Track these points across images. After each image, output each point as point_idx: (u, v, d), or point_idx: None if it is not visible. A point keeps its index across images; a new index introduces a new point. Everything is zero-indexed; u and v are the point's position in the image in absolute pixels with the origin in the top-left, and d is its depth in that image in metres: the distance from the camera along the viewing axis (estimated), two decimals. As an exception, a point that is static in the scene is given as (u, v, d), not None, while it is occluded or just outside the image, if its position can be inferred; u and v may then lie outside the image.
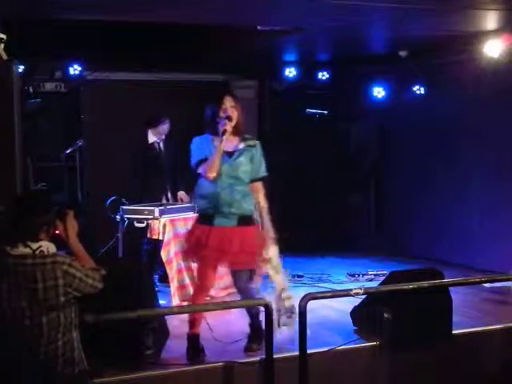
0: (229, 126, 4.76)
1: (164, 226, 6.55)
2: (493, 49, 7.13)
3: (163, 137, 7.43)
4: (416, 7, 5.74)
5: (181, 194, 7.39)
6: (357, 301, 5.34)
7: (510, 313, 6.17)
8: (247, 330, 5.04)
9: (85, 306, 3.61)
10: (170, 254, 6.47)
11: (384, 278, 5.64)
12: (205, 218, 4.87)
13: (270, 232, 4.85)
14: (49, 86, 8.51)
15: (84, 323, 3.67)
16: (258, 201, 4.89)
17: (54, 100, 8.47)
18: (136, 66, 8.60)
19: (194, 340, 4.86)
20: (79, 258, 3.52)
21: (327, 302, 5.97)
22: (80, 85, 8.67)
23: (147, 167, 7.23)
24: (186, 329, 4.93)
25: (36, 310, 3.29)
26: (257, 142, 4.96)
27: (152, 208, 6.65)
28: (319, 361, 4.74)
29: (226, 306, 5.32)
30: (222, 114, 4.78)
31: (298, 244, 8.27)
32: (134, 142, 7.46)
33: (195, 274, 5.29)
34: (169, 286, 6.50)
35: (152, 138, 7.39)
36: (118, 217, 6.89)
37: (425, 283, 4.99)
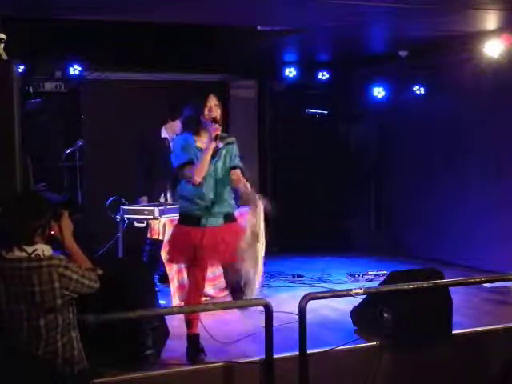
0: (219, 130, 4.72)
1: (164, 226, 6.54)
2: (493, 49, 7.12)
3: (174, 136, 7.43)
4: (416, 7, 5.74)
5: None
6: (357, 301, 5.34)
7: (510, 313, 6.18)
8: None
9: (85, 306, 3.60)
10: (170, 254, 6.46)
11: (384, 277, 5.64)
12: (190, 219, 4.82)
13: (256, 200, 4.69)
14: (49, 86, 8.51)
15: (84, 323, 3.66)
16: (238, 185, 4.74)
17: (54, 100, 8.48)
18: (136, 66, 8.59)
19: (193, 340, 4.85)
20: (75, 258, 3.50)
21: (327, 302, 5.98)
22: (80, 85, 8.66)
23: (153, 166, 7.23)
24: (185, 329, 4.92)
25: (34, 313, 3.28)
26: (233, 138, 4.92)
27: (152, 208, 6.65)
28: (319, 361, 4.73)
29: (225, 305, 5.31)
30: (206, 114, 4.72)
31: (298, 244, 8.29)
32: (139, 142, 7.46)
33: (186, 275, 5.21)
34: (169, 286, 6.49)
35: (165, 133, 7.40)
36: (118, 217, 6.89)
37: (425, 283, 4.98)
